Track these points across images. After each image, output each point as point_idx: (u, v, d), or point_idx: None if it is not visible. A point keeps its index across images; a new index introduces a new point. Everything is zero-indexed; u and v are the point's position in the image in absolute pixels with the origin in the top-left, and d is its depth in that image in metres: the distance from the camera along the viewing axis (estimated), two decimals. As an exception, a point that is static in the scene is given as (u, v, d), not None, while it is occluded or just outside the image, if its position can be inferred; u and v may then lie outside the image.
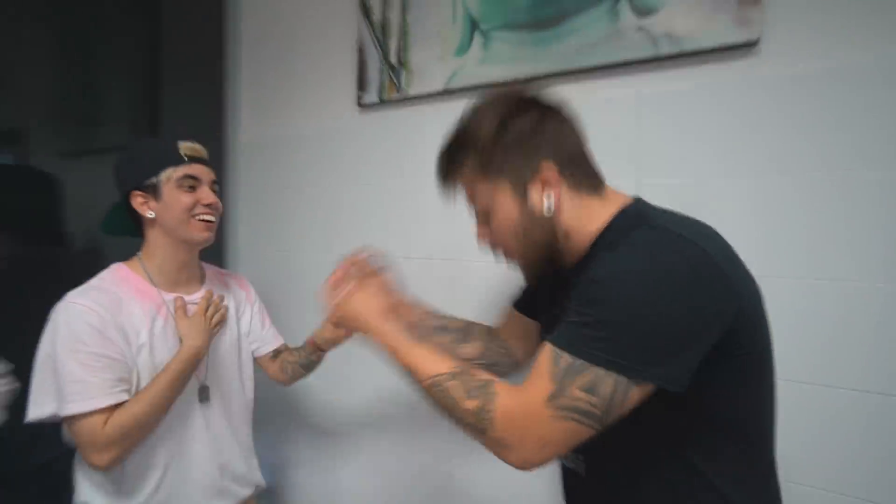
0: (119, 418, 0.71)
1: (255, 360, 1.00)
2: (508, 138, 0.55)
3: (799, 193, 0.74)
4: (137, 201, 0.81)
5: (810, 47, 0.73)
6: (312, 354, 0.95)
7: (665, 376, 0.44)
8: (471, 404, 0.51)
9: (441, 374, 0.54)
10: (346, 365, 1.12)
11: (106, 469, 0.74)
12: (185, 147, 0.84)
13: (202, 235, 0.84)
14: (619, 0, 0.85)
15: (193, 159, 0.84)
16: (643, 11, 0.83)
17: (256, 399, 1.00)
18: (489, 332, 0.80)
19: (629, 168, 0.86)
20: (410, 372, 0.57)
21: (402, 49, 1.10)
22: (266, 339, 1.01)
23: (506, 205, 0.57)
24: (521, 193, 0.56)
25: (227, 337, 0.93)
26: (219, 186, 0.89)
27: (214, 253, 1.53)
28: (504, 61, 0.97)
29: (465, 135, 0.58)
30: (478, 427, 0.51)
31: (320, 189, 1.28)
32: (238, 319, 0.97)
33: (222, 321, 0.90)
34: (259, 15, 1.43)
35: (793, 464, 0.66)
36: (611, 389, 0.44)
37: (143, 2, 1.79)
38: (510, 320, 0.78)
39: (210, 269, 0.99)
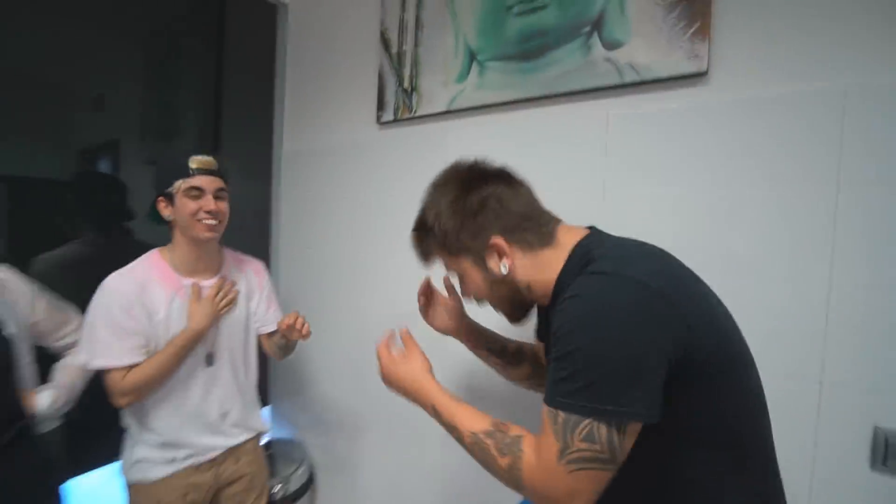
0: (133, 375, 0.93)
1: (258, 337, 1.17)
2: (459, 224, 0.65)
3: (740, 206, 0.84)
4: (160, 205, 1.00)
5: (754, 76, 0.83)
6: (281, 339, 1.12)
7: (643, 413, 0.49)
8: (504, 462, 0.55)
9: (479, 432, 0.59)
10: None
11: (125, 407, 0.99)
12: (196, 161, 0.98)
13: (206, 235, 1.00)
14: (591, 35, 0.98)
15: (201, 171, 0.98)
16: (611, 45, 0.96)
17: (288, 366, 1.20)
18: (535, 353, 0.90)
19: (599, 178, 0.99)
20: (454, 428, 0.62)
21: (414, 76, 1.28)
22: (267, 321, 1.16)
23: (471, 273, 0.69)
24: (481, 263, 0.66)
25: (237, 315, 1.10)
26: (226, 189, 1.03)
27: (261, 245, 1.79)
28: (496, 87, 1.12)
29: (425, 225, 0.70)
30: (512, 482, 0.56)
31: (346, 192, 1.48)
32: (248, 301, 1.14)
33: (229, 305, 1.07)
34: (300, 48, 1.67)
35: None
36: (606, 433, 0.49)
37: (209, 39, 2.11)
38: (538, 345, 0.88)
39: (231, 256, 1.15)
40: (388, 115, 1.34)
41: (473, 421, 0.61)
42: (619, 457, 0.50)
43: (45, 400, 0.90)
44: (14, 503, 0.83)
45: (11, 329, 0.85)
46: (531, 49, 1.06)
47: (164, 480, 1.01)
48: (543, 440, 0.53)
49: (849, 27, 0.75)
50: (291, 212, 1.69)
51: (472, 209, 0.65)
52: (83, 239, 1.60)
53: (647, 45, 0.91)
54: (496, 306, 0.72)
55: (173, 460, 1.01)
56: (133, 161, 2.74)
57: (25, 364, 0.89)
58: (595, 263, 0.56)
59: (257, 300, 1.16)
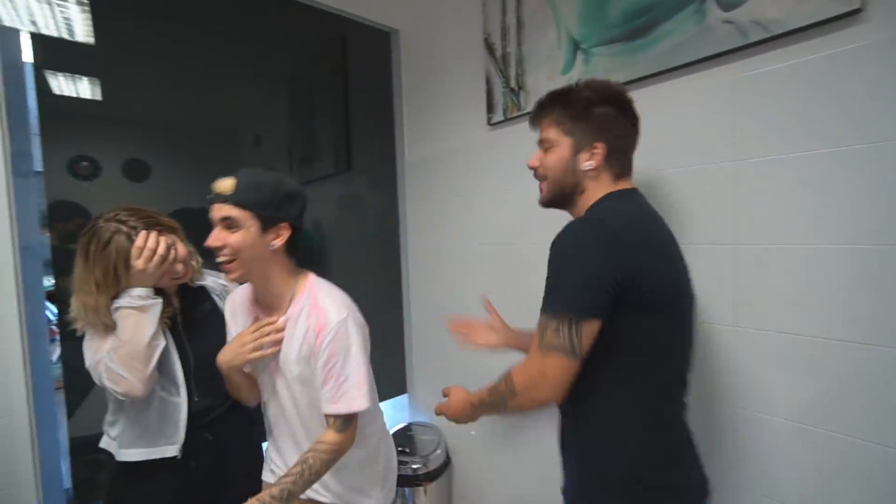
0: None
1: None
2: (590, 115, 0.79)
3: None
4: None
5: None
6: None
7: (589, 312, 0.68)
8: (503, 382, 0.77)
9: (495, 384, 0.79)
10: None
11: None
12: (215, 184, 0.87)
13: (227, 276, 0.90)
14: (704, 0, 0.93)
15: (215, 199, 0.87)
16: (729, 5, 0.89)
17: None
18: None
19: (726, 151, 0.93)
20: (498, 408, 0.80)
21: (520, 74, 1.33)
22: (321, 398, 0.90)
23: (562, 151, 0.81)
24: (574, 151, 0.80)
25: (291, 369, 0.93)
26: (243, 217, 0.85)
27: (392, 249, 2.01)
28: (603, 72, 1.11)
29: (567, 96, 0.81)
30: (512, 391, 0.74)
31: (465, 193, 1.60)
32: (307, 361, 0.91)
33: (257, 350, 0.92)
34: (412, 66, 1.84)
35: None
36: (567, 328, 0.68)
37: (336, 72, 2.43)
38: None
39: (314, 296, 0.93)
40: (498, 116, 1.42)
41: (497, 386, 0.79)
42: (577, 349, 0.68)
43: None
44: (231, 451, 1.07)
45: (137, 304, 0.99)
46: (638, 26, 1.04)
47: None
48: (532, 342, 0.72)
49: None
50: (416, 215, 1.87)
51: (605, 116, 0.79)
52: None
53: (776, -3, 0.83)
54: (549, 184, 0.85)
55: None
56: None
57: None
58: (595, 211, 0.77)
59: (315, 366, 0.90)
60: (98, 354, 0.91)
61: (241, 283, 1.03)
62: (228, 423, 1.07)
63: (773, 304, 0.88)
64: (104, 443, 0.99)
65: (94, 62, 2.56)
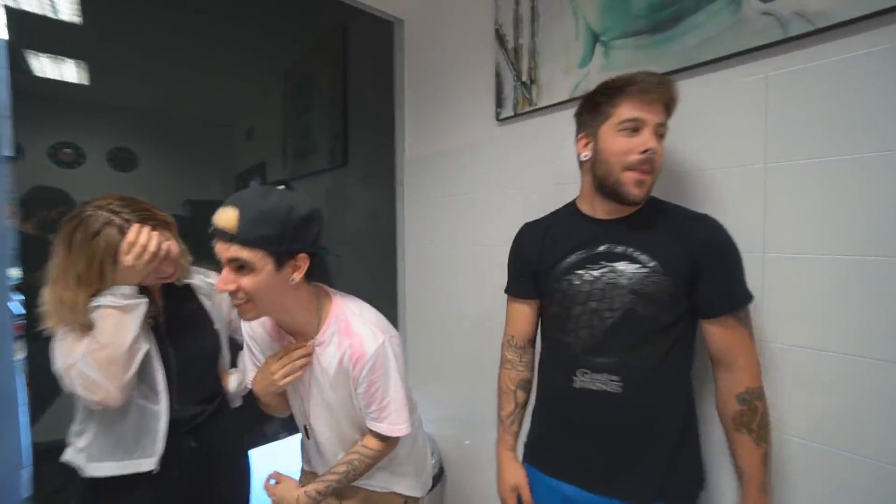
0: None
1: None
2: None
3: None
4: None
5: None
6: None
7: (516, 293, 0.99)
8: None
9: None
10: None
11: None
12: (216, 216, 0.75)
13: (243, 317, 0.82)
14: (741, -10, 0.86)
15: (215, 234, 0.75)
16: (769, -5, 0.83)
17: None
18: None
19: (757, 153, 0.86)
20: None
21: (533, 68, 1.26)
22: (364, 416, 0.90)
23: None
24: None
25: (326, 394, 0.91)
26: (255, 258, 0.74)
27: (389, 248, 1.93)
28: (624, 66, 1.05)
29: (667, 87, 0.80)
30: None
31: (467, 192, 1.53)
32: (344, 385, 0.88)
33: (288, 375, 0.87)
34: (417, 58, 1.76)
35: None
36: (510, 304, 1.02)
37: (335, 63, 2.35)
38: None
39: (345, 320, 0.87)
40: (508, 111, 1.34)
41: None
42: (512, 320, 1.02)
43: (233, 382, 1.08)
44: (217, 457, 1.01)
45: (217, 325, 1.05)
46: (664, 18, 0.97)
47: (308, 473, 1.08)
48: (743, 336, 0.80)
49: None
50: (415, 214, 1.79)
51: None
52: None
53: (822, -13, 0.77)
54: (654, 178, 0.82)
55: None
56: (276, 178, 3.15)
57: (224, 353, 1.08)
58: (677, 207, 0.87)
59: (354, 391, 0.88)
60: (71, 357, 0.81)
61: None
62: (214, 429, 1.00)
63: (801, 317, 0.82)
64: (69, 455, 0.89)
65: (81, 43, 2.45)
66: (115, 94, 3.09)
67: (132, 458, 0.87)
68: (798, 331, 0.83)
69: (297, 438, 1.13)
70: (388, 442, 0.91)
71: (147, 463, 0.88)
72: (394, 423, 0.87)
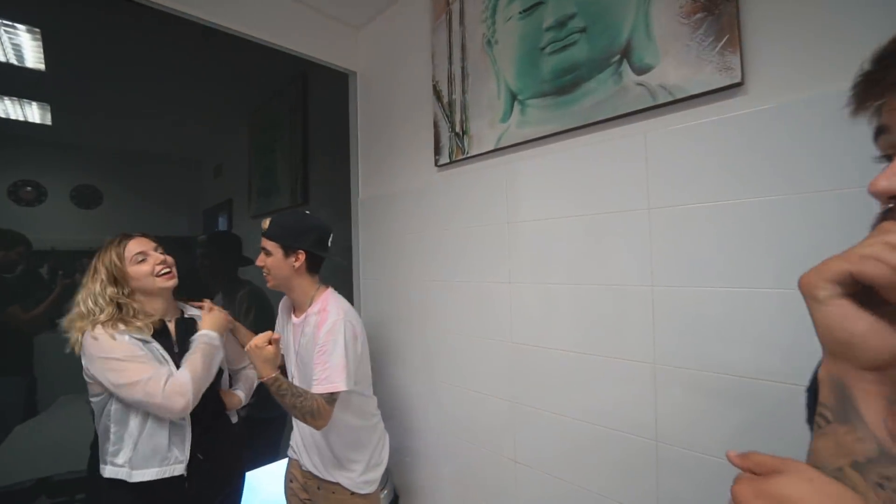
0: None
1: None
2: None
3: (773, 213, 0.81)
4: None
5: (793, 83, 0.82)
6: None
7: None
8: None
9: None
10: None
11: None
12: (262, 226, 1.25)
13: (268, 284, 1.27)
14: (621, 63, 1.03)
15: (262, 233, 1.25)
16: (641, 70, 0.99)
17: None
18: None
19: (641, 197, 1.00)
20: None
21: (464, 120, 1.41)
22: (312, 384, 1.16)
23: None
24: None
25: (293, 350, 1.29)
26: (272, 246, 1.22)
27: (347, 278, 2.00)
28: (537, 122, 1.20)
29: None
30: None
31: (412, 230, 1.64)
32: (307, 343, 1.22)
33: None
34: (368, 108, 1.90)
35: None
36: None
37: (296, 108, 2.47)
38: None
39: (321, 304, 1.23)
40: (445, 158, 1.48)
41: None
42: None
43: (241, 394, 1.30)
44: (214, 473, 1.16)
45: (217, 343, 1.19)
46: (565, 84, 1.13)
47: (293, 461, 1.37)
48: None
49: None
50: (369, 249, 1.88)
51: None
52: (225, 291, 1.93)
53: (678, 64, 0.94)
54: None
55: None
56: (242, 215, 3.22)
57: (224, 373, 1.27)
58: None
59: (315, 350, 1.18)
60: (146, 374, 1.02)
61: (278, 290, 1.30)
62: (216, 445, 1.16)
63: (691, 341, 0.94)
64: (109, 472, 1.03)
65: (45, 88, 2.51)
66: (79, 133, 3.12)
67: (169, 465, 1.06)
68: (690, 352, 0.94)
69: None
70: (329, 408, 1.12)
71: (179, 468, 1.06)
72: (332, 381, 1.12)
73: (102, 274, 1.10)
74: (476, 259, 1.39)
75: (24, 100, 2.66)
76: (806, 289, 0.37)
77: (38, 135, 3.02)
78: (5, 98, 2.63)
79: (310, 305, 1.26)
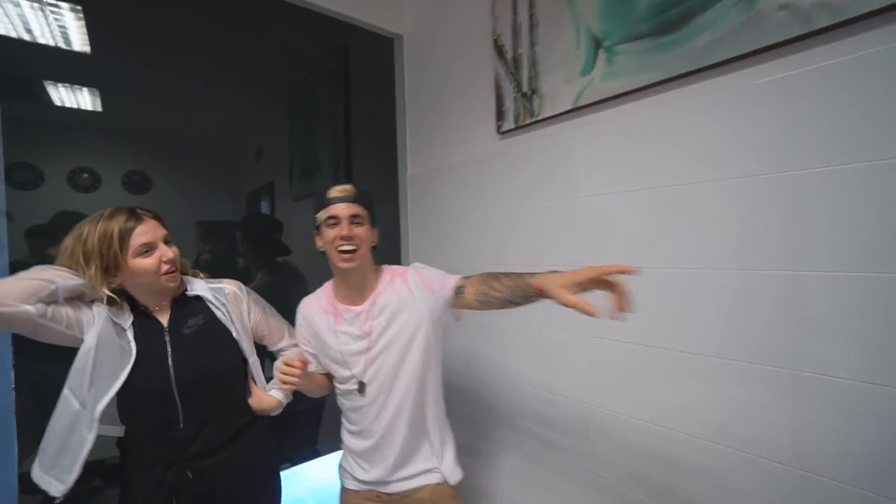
0: None
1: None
2: None
3: None
4: (316, 239, 1.04)
5: None
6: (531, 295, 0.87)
7: None
8: None
9: None
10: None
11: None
12: (334, 190, 0.99)
13: (342, 265, 0.98)
14: (753, -16, 0.79)
15: (337, 200, 0.98)
16: (785, -11, 0.76)
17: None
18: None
19: (774, 156, 0.78)
20: None
21: (533, 78, 1.21)
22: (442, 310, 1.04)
23: None
24: None
25: (388, 343, 1.01)
26: (365, 214, 1.00)
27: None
28: (629, 73, 0.98)
29: None
30: None
31: (469, 207, 1.47)
32: (398, 317, 1.01)
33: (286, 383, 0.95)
34: (417, 74, 1.73)
35: None
36: None
37: (337, 81, 2.34)
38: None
39: (389, 275, 1.06)
40: (509, 124, 1.29)
41: None
42: None
43: (278, 394, 1.07)
44: (246, 474, 1.00)
45: (234, 333, 1.02)
46: (670, 20, 0.91)
47: (353, 492, 1.09)
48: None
49: None
50: (419, 230, 1.74)
51: None
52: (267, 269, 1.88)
53: (843, -23, 0.70)
54: None
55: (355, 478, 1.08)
56: (284, 198, 3.17)
57: (254, 361, 1.06)
58: None
59: (412, 309, 1.01)
60: None
61: (349, 275, 1.02)
62: (218, 467, 0.95)
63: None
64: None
65: (92, 72, 2.51)
66: (127, 119, 3.17)
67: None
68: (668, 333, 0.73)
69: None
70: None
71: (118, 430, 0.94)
72: (451, 276, 1.03)
73: (97, 260, 0.88)
74: (549, 239, 1.20)
75: (76, 86, 2.68)
76: None
77: (90, 122, 3.08)
78: (59, 85, 2.66)
79: (377, 285, 1.04)
